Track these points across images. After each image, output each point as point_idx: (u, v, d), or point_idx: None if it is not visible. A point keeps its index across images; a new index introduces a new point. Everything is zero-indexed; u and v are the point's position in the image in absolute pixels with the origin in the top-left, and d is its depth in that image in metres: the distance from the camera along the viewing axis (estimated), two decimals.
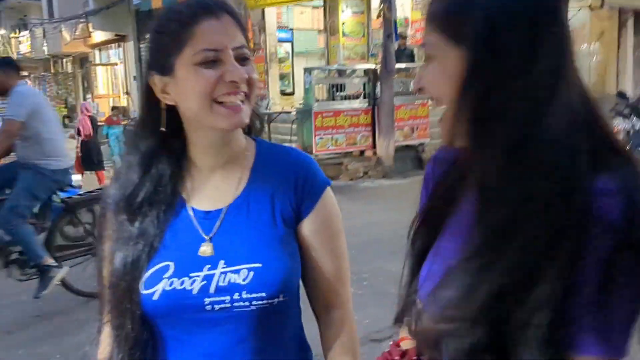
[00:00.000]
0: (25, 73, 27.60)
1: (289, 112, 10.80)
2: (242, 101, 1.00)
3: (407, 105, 10.10)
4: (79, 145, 10.23)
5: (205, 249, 1.03)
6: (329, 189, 1.12)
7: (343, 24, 12.54)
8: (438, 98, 0.86)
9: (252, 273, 1.00)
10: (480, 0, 0.78)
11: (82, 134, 10.20)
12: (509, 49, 0.77)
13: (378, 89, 9.50)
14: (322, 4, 12.68)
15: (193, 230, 1.05)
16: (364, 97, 9.92)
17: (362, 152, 9.75)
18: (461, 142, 0.85)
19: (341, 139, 9.47)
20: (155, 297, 1.00)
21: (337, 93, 9.83)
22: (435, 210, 0.98)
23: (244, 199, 1.07)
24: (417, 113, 10.23)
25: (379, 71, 9.45)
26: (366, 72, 10.04)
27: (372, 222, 6.23)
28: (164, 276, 1.01)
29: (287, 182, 1.08)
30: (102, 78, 21.69)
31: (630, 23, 13.35)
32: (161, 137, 1.06)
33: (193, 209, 1.07)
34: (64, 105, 22.85)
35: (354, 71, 10.50)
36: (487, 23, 0.77)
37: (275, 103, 12.25)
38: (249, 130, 1.16)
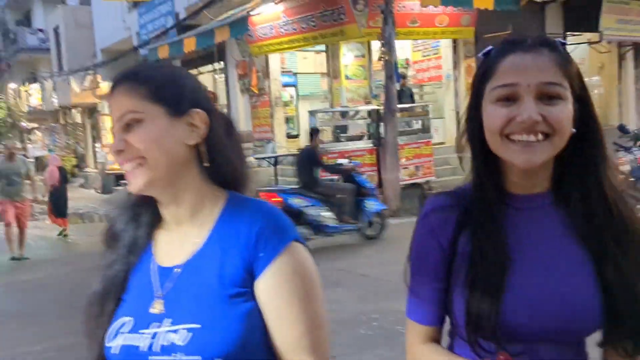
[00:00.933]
0: (35, 125, 28.23)
1: (295, 155, 10.90)
2: (140, 164, 1.01)
3: (411, 145, 10.21)
4: (48, 194, 10.82)
5: (157, 306, 1.03)
6: (294, 244, 1.02)
7: (345, 67, 12.75)
8: (556, 135, 0.98)
9: (190, 334, 0.97)
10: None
11: (48, 183, 10.82)
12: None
13: (381, 129, 9.62)
14: (324, 49, 12.93)
15: (150, 285, 1.06)
16: (368, 138, 10.02)
17: None
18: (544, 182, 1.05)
19: None
20: (114, 351, 1.02)
21: (341, 134, 9.93)
22: (496, 251, 1.02)
23: (200, 256, 1.04)
24: (421, 152, 10.32)
25: (381, 112, 9.58)
26: (369, 113, 10.18)
27: (381, 261, 6.21)
28: (121, 330, 1.03)
29: (240, 238, 1.02)
30: (110, 127, 21.97)
31: (629, 56, 13.51)
32: None
33: (157, 264, 1.08)
34: (73, 155, 23.20)
35: (357, 112, 10.63)
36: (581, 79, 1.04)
37: (282, 146, 12.37)
38: (226, 183, 1.10)
